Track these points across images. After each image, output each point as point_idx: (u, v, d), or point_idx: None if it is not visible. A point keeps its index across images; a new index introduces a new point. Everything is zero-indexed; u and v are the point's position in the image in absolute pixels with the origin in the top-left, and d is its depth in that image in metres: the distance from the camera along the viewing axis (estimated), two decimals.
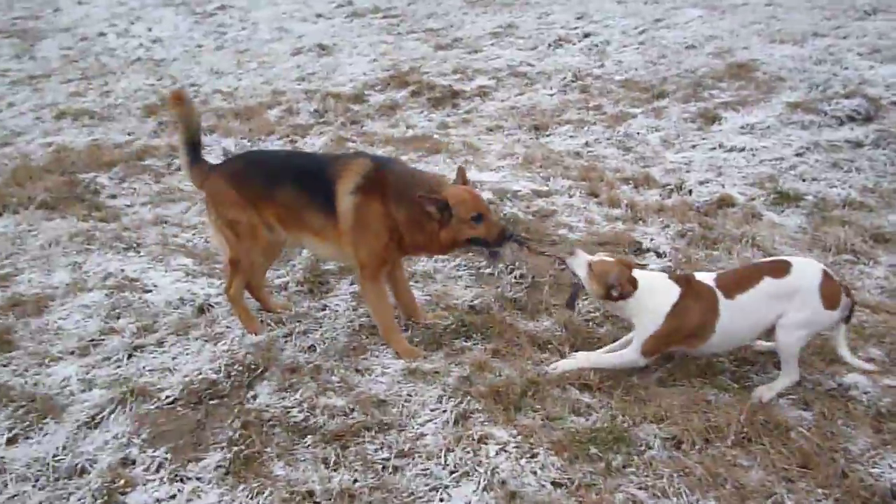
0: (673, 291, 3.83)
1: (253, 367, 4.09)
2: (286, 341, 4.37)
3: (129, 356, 4.33)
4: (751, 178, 6.12)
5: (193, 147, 4.46)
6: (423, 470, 3.35)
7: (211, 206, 4.41)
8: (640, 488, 3.23)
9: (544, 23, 11.43)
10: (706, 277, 3.89)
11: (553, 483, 3.26)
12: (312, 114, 8.64)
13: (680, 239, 5.31)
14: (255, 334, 4.40)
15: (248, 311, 4.52)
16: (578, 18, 11.33)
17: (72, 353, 4.39)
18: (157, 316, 4.71)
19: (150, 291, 5.00)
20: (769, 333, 3.83)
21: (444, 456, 3.39)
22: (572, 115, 7.80)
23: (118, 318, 4.72)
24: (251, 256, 4.40)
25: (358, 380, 4.00)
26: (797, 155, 6.37)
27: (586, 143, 7.12)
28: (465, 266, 5.09)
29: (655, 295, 3.85)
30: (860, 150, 6.31)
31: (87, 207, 6.39)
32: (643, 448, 3.44)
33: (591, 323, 4.42)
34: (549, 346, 4.23)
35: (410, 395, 3.84)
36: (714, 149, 6.69)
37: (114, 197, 6.66)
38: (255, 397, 3.88)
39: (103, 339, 4.49)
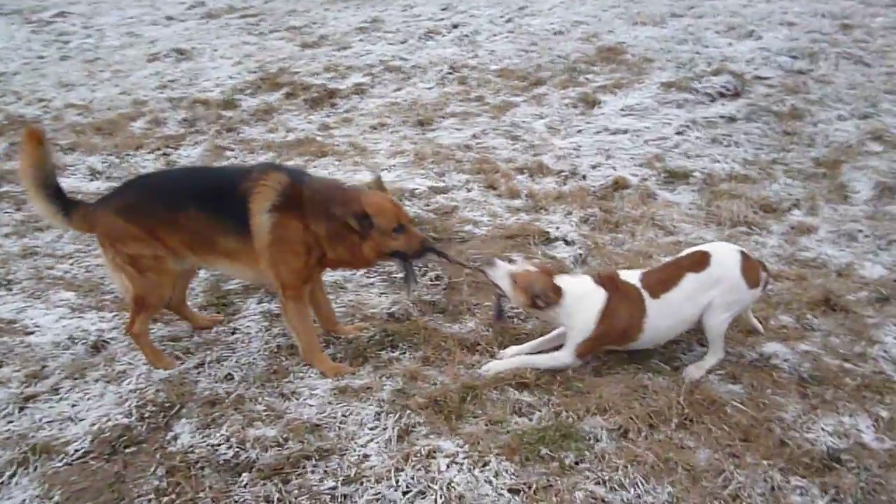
0: (599, 295, 3.83)
1: (167, 405, 3.77)
2: (199, 372, 4.06)
3: (21, 409, 3.88)
4: (639, 159, 6.28)
5: (57, 193, 3.97)
6: (374, 495, 3.17)
7: (107, 245, 3.96)
8: (596, 483, 3.19)
9: (410, 15, 11.33)
10: (631, 276, 3.91)
11: (510, 490, 3.17)
12: (181, 123, 8.15)
13: (584, 225, 5.36)
14: (166, 369, 4.06)
15: (154, 347, 4.17)
16: (443, 10, 11.31)
17: None
18: (46, 359, 4.26)
19: (33, 333, 4.52)
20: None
21: (394, 477, 3.23)
22: (455, 107, 7.75)
23: (0, 366, 4.25)
24: (157, 292, 4.03)
25: (286, 405, 3.76)
26: (678, 133, 6.59)
27: (474, 136, 7.08)
28: (376, 273, 4.92)
29: (583, 301, 3.83)
30: (735, 124, 6.61)
31: None
32: (592, 442, 3.42)
33: (516, 319, 4.37)
34: (478, 347, 4.14)
35: (345, 416, 3.64)
36: (599, 132, 6.82)
37: None
38: (175, 438, 3.57)
39: None
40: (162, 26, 12.91)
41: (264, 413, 3.70)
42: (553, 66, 8.51)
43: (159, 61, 10.74)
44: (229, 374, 4.02)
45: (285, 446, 3.47)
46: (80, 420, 3.75)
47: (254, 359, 4.15)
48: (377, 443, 3.47)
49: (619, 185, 5.89)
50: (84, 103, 9.14)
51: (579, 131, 6.91)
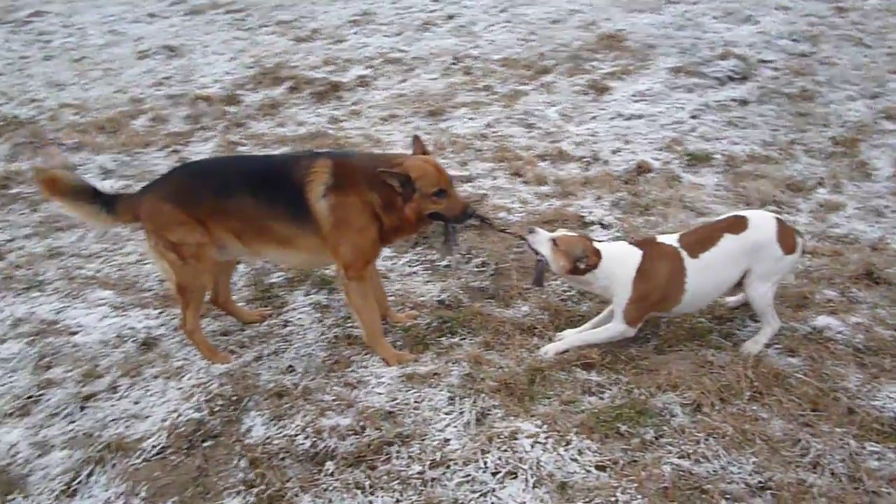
0: (635, 255, 3.87)
1: (234, 398, 3.76)
2: (259, 365, 4.05)
3: (82, 408, 3.85)
4: (657, 143, 6.34)
5: (94, 193, 4.02)
6: (464, 477, 3.20)
7: (151, 231, 3.96)
8: (680, 457, 3.26)
9: (401, 7, 11.28)
10: (670, 238, 3.95)
11: (597, 467, 3.22)
12: (185, 120, 8.04)
13: (615, 209, 5.41)
14: (222, 363, 4.05)
15: (208, 343, 4.17)
16: (435, 1, 11.27)
17: (9, 414, 3.85)
18: (97, 359, 4.22)
19: (77, 333, 4.48)
20: (737, 288, 3.98)
21: (482, 458, 3.26)
22: (464, 97, 7.75)
23: (49, 367, 4.19)
24: (199, 280, 4.03)
25: (354, 394, 3.77)
26: (693, 117, 6.67)
27: (488, 125, 7.09)
28: (417, 261, 4.94)
29: (619, 262, 3.87)
30: (748, 107, 6.71)
31: None
32: (668, 417, 3.48)
33: (569, 302, 4.42)
34: (536, 330, 4.17)
35: (418, 402, 3.66)
36: (614, 118, 6.87)
37: None
38: (249, 431, 3.57)
39: (42, 394, 3.97)
40: (145, 24, 12.67)
41: (334, 403, 3.71)
42: (556, 54, 8.55)
43: (150, 59, 10.56)
44: (290, 366, 4.02)
45: (363, 434, 3.48)
46: (146, 416, 3.74)
47: (312, 350, 4.14)
48: (455, 427, 3.49)
49: (642, 169, 5.96)
50: (79, 102, 8.97)
51: (593, 118, 6.96)
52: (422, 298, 4.53)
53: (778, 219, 3.93)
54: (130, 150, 7.25)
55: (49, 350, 4.30)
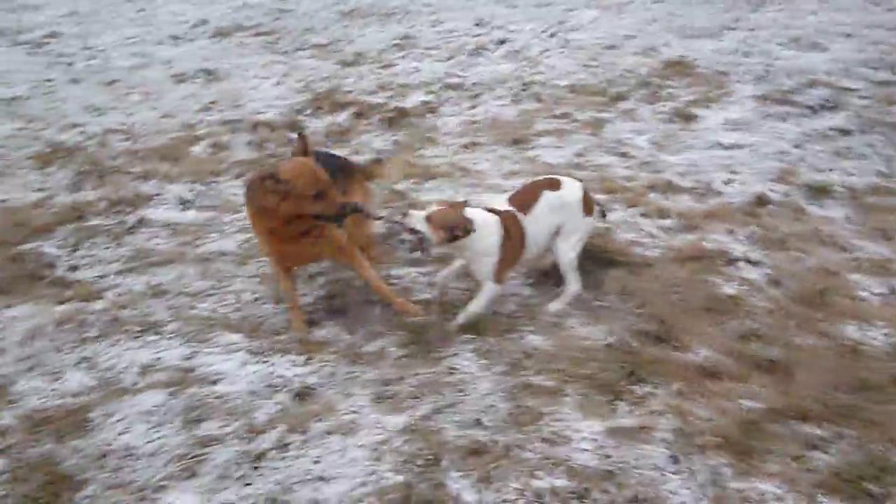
0: (497, 224, 4.31)
1: (431, 458, 3.46)
2: (439, 418, 3.74)
3: (255, 468, 3.52)
4: (768, 174, 6.17)
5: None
6: None
7: None
8: None
9: (443, 31, 11.07)
10: (501, 203, 4.47)
11: None
12: (250, 146, 7.71)
13: (751, 243, 5.21)
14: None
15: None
16: (477, 25, 11.09)
17: (170, 477, 3.50)
18: (251, 412, 3.89)
19: (216, 382, 4.14)
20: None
21: None
22: (544, 125, 7.53)
23: (198, 421, 3.85)
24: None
25: (559, 451, 3.48)
26: (796, 147, 6.52)
27: (578, 154, 6.87)
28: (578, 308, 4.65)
29: (487, 229, 4.27)
30: (851, 137, 6.58)
31: (51, 286, 5.23)
32: None
33: (752, 345, 4.16)
34: (723, 375, 3.93)
35: (636, 460, 3.39)
36: (711, 147, 6.70)
37: (75, 269, 5.48)
38: (460, 495, 3.26)
39: (205, 452, 3.62)
40: (170, 46, 12.29)
41: (541, 461, 3.42)
42: (625, 80, 8.39)
43: (188, 82, 10.22)
44: (477, 419, 3.72)
45: (589, 497, 3.21)
46: (334, 478, 3.41)
47: (491, 401, 3.85)
48: (689, 488, 3.24)
49: (761, 201, 5.77)
50: (124, 128, 8.58)
51: (688, 147, 6.78)
52: (587, 342, 4.26)
53: (584, 188, 4.60)
54: (202, 180, 6.90)
55: (195, 402, 3.96)
